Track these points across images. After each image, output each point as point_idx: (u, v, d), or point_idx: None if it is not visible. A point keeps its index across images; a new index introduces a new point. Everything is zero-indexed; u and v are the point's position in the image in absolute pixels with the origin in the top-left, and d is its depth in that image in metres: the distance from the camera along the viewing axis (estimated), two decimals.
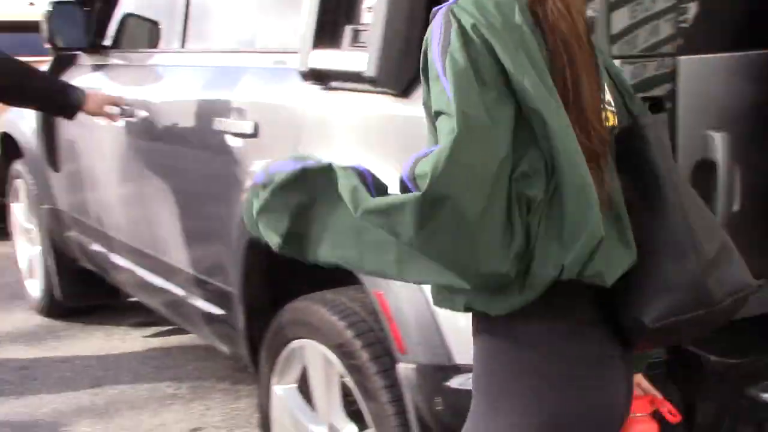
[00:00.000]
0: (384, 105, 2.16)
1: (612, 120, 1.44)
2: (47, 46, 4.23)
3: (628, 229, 1.41)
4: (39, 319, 4.88)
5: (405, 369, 2.06)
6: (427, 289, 1.94)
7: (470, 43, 1.33)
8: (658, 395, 1.68)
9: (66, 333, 4.70)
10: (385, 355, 2.16)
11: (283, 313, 2.47)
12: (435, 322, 2.00)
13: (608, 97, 1.45)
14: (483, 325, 1.45)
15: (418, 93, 2.04)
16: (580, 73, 1.37)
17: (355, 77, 2.17)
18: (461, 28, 1.34)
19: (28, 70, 3.35)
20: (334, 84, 2.30)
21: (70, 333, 4.69)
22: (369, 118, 2.25)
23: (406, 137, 2.07)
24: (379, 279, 2.07)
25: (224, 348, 3.13)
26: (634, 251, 1.40)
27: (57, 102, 3.41)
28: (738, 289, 1.44)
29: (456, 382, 1.98)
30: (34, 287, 4.94)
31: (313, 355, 2.39)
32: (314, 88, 2.36)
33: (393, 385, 2.12)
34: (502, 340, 1.43)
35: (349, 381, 2.28)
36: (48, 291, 4.76)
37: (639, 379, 1.64)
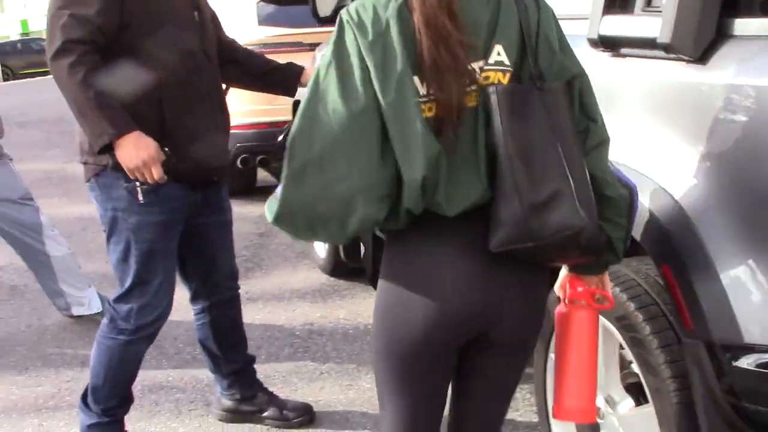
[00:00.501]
0: (678, 72, 2.08)
1: (496, 78, 1.78)
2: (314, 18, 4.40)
3: (475, 171, 1.78)
4: (324, 278, 5.17)
5: (691, 345, 1.99)
6: (718, 263, 1.88)
7: (341, 37, 1.77)
8: (608, 291, 2.02)
9: (348, 292, 4.95)
10: (668, 330, 2.10)
11: None
12: (726, 299, 1.91)
13: (499, 58, 1.78)
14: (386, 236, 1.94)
15: (715, 59, 1.99)
16: (439, 51, 1.72)
17: (647, 43, 2.12)
18: (339, 24, 1.78)
19: (248, 53, 3.45)
20: (624, 51, 2.25)
21: (351, 292, 4.94)
22: (661, 86, 2.18)
23: (701, 105, 1.99)
24: (667, 252, 2.02)
25: None
26: (479, 191, 1.79)
27: (274, 80, 3.43)
28: (560, 229, 1.73)
29: (746, 362, 1.89)
30: (321, 248, 5.23)
31: None
32: (603, 56, 2.32)
33: (676, 360, 2.07)
34: (388, 248, 1.94)
35: (628, 354, 2.24)
36: (333, 252, 5.01)
37: (602, 276, 2.00)
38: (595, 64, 2.37)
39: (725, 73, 1.96)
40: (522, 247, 1.76)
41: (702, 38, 2.00)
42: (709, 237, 1.92)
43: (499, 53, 1.79)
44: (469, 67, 1.76)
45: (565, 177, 1.74)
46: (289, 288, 5.08)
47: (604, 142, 1.84)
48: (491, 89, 1.76)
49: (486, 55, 1.78)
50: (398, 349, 1.92)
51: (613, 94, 2.31)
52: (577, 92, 1.82)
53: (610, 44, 2.28)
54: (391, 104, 1.73)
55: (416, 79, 1.75)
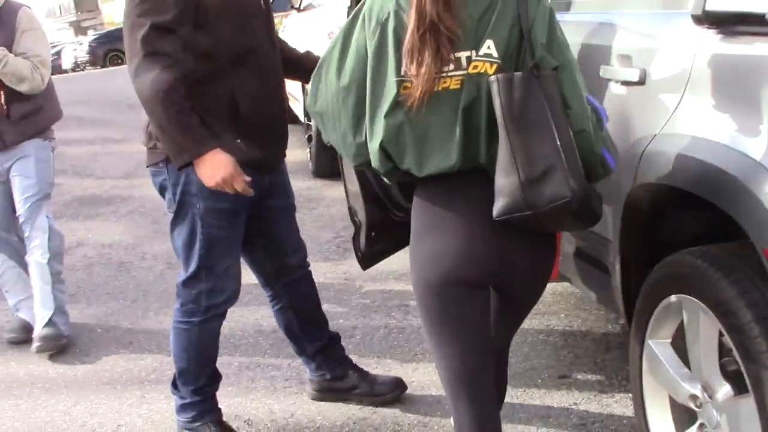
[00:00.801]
0: None
1: (483, 68, 2.10)
2: None
3: (447, 145, 2.13)
4: None
5: None
6: None
7: (353, 23, 2.21)
8: None
9: None
10: None
11: (662, 266, 2.40)
12: None
13: (488, 51, 2.09)
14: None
15: None
16: (420, 41, 2.07)
17: (757, 20, 2.03)
18: (357, 11, 2.20)
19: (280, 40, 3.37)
20: (732, 28, 2.17)
21: None
22: None
23: None
24: None
25: (591, 295, 3.10)
26: (449, 162, 2.14)
27: (298, 70, 3.30)
28: (553, 199, 2.02)
29: None
30: None
31: (691, 312, 2.31)
32: (709, 33, 2.25)
33: None
34: (415, 198, 2.28)
35: (728, 340, 2.17)
36: None
37: None
38: (699, 42, 2.30)
39: None
40: (521, 215, 2.06)
41: None
42: None
43: (489, 47, 2.09)
44: (455, 55, 2.09)
45: (557, 153, 2.03)
46: (385, 269, 5.06)
47: (583, 131, 2.11)
48: (492, 78, 2.06)
49: (477, 47, 2.09)
50: (424, 290, 2.25)
51: (719, 74, 2.24)
52: (558, 81, 2.08)
53: (715, 21, 2.20)
54: (375, 78, 2.15)
55: (406, 60, 2.10)
